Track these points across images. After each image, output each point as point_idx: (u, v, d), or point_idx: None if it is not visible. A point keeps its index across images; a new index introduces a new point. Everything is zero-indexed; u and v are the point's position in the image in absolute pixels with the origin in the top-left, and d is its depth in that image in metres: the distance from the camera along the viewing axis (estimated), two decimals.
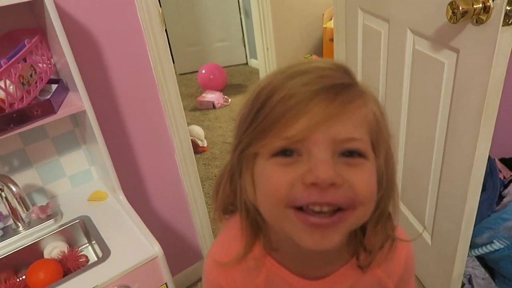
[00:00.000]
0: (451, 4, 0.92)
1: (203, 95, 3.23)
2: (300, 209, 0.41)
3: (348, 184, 0.40)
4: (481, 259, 1.47)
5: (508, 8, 0.85)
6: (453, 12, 0.92)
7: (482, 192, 1.14)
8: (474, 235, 1.29)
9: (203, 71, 3.38)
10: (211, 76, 3.34)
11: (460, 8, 0.90)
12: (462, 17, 0.91)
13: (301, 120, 0.39)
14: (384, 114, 0.46)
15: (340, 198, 0.40)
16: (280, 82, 0.42)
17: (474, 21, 0.93)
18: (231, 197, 0.51)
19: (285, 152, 0.41)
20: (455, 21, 0.93)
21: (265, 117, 0.41)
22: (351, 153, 0.41)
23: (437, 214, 1.31)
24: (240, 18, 3.80)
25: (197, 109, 3.19)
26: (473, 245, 1.37)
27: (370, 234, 0.50)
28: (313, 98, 0.39)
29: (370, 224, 0.49)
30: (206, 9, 3.71)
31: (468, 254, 1.30)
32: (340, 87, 0.41)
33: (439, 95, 1.14)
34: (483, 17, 0.90)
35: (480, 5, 0.89)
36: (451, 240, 1.25)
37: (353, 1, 1.55)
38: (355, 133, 0.41)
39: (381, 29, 1.37)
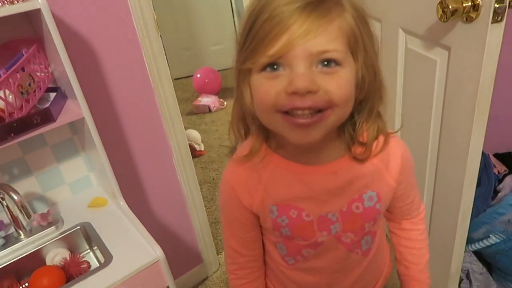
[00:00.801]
0: (441, 3, 0.94)
1: (199, 99, 3.24)
2: (286, 113, 0.51)
3: (323, 90, 0.49)
4: (478, 254, 1.49)
5: (496, 5, 0.87)
6: (443, 11, 0.94)
7: (477, 187, 1.16)
8: (470, 230, 1.30)
9: (198, 75, 3.39)
10: (206, 80, 3.35)
11: (450, 6, 0.92)
12: (452, 15, 0.93)
13: (281, 38, 0.47)
14: (364, 21, 0.52)
15: (317, 102, 0.49)
16: (265, 3, 0.48)
17: (464, 19, 0.95)
18: (240, 113, 0.60)
19: (272, 66, 0.49)
20: (445, 19, 0.95)
21: (253, 38, 0.49)
22: (327, 63, 0.49)
23: (433, 210, 1.33)
24: (234, 20, 3.82)
25: (193, 113, 3.19)
26: (470, 240, 1.39)
27: (362, 130, 0.59)
28: (290, 17, 0.46)
29: (360, 120, 0.58)
30: (199, 13, 3.72)
31: (465, 249, 1.32)
32: (316, 3, 0.47)
33: (432, 93, 1.16)
34: (472, 15, 0.92)
35: (470, 3, 0.91)
36: (448, 235, 1.27)
37: None
38: (330, 45, 0.48)
39: (374, 29, 1.39)
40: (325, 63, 0.49)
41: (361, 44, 0.51)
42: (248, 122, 0.61)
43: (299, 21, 0.46)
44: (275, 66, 0.49)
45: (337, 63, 0.49)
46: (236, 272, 0.75)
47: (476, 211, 1.34)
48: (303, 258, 0.69)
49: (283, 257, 0.71)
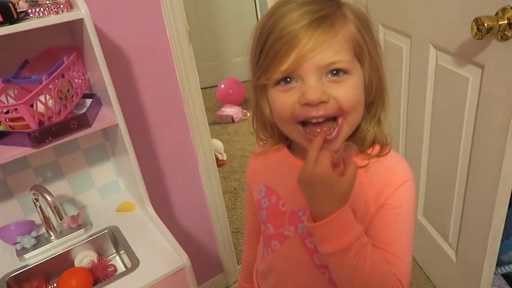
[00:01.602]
0: (476, 20, 0.93)
1: (222, 109, 3.28)
2: (303, 123, 0.55)
3: (334, 99, 0.53)
4: (507, 277, 1.44)
5: None
6: (478, 29, 0.93)
7: (508, 207, 1.13)
8: (500, 252, 1.26)
9: (222, 86, 3.43)
10: (230, 91, 3.39)
11: (485, 24, 0.91)
12: (487, 33, 0.92)
13: (291, 55, 0.51)
14: (367, 27, 0.55)
15: (329, 110, 0.53)
16: (273, 24, 0.53)
17: (499, 37, 0.94)
18: (261, 123, 0.65)
19: (285, 80, 0.54)
20: (480, 37, 0.94)
21: (265, 56, 0.53)
22: (336, 72, 0.52)
23: (461, 231, 1.30)
24: None
25: (216, 123, 3.23)
26: (499, 263, 1.34)
27: (364, 133, 0.60)
28: (298, 35, 0.50)
29: (363, 123, 0.60)
30: (225, 25, 3.78)
31: (494, 271, 1.28)
32: (320, 19, 0.51)
33: (463, 111, 1.14)
34: (508, 33, 0.91)
35: (506, 22, 0.90)
36: (476, 257, 1.24)
37: (374, 17, 1.57)
38: (336, 56, 0.52)
39: (403, 45, 1.39)
40: (334, 72, 0.52)
41: (366, 50, 0.55)
42: (268, 130, 0.67)
43: (306, 38, 0.50)
44: (288, 79, 0.54)
45: (344, 71, 0.53)
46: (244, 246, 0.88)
47: (507, 233, 1.30)
48: (272, 251, 0.69)
49: (262, 246, 0.73)
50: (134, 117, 1.24)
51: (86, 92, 1.09)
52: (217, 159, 2.56)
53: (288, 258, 0.67)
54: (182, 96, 1.32)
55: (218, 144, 2.67)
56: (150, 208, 1.12)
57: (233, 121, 3.19)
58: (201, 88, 4.15)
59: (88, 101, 1.05)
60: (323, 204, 0.52)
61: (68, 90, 0.98)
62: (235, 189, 2.33)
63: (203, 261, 1.60)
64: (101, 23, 1.10)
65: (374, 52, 0.56)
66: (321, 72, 0.52)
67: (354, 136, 0.60)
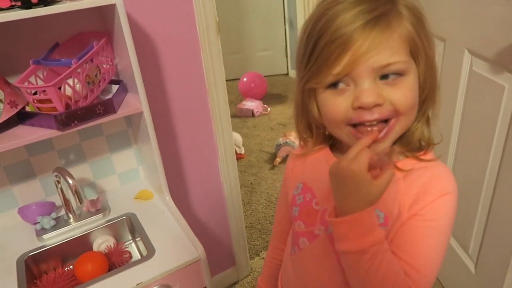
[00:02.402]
0: None
1: (243, 102, 3.27)
2: (354, 126, 0.54)
3: (389, 101, 0.51)
4: None
5: None
6: None
7: None
8: None
9: (245, 79, 3.42)
10: (252, 85, 3.38)
11: None
12: None
13: (344, 58, 0.49)
14: (422, 23, 0.52)
15: (384, 113, 0.52)
16: (323, 26, 0.50)
17: None
18: (306, 124, 0.64)
19: (336, 84, 0.52)
20: None
21: (316, 59, 0.51)
22: (391, 75, 0.50)
23: (483, 243, 1.26)
24: (285, 28, 3.83)
25: (236, 116, 3.22)
26: None
27: (412, 131, 0.57)
28: (352, 36, 0.48)
29: (413, 123, 0.57)
30: (252, 18, 3.76)
31: None
32: (376, 20, 0.48)
33: (496, 120, 1.10)
34: None
35: None
36: (498, 270, 1.20)
37: None
38: (392, 58, 0.49)
39: (436, 48, 1.34)
40: (389, 74, 0.51)
41: (422, 48, 0.53)
42: (313, 131, 0.65)
43: (361, 39, 0.48)
44: (340, 83, 0.52)
45: (400, 73, 0.51)
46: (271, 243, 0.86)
47: None
48: (299, 249, 0.69)
49: (290, 245, 0.73)
50: (158, 106, 1.24)
51: (113, 78, 1.10)
52: (235, 152, 2.56)
53: (316, 257, 0.66)
54: (207, 88, 1.31)
55: (237, 137, 2.66)
56: (168, 198, 1.12)
57: (253, 115, 3.18)
58: None
59: (115, 87, 1.05)
60: (349, 201, 0.51)
61: (96, 75, 0.98)
62: (251, 184, 2.33)
63: (216, 253, 1.60)
64: (131, 9, 1.10)
65: (429, 49, 0.54)
66: (375, 74, 0.50)
67: (403, 135, 0.57)
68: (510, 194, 1.10)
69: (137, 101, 1.00)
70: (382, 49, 0.49)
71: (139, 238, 1.08)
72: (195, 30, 1.22)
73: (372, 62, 0.49)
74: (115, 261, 1.04)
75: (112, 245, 1.07)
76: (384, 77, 0.51)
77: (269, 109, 3.25)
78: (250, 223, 2.01)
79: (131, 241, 1.13)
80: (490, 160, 1.16)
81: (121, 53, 1.01)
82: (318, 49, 0.51)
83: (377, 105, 0.51)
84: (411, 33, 0.51)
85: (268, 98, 3.45)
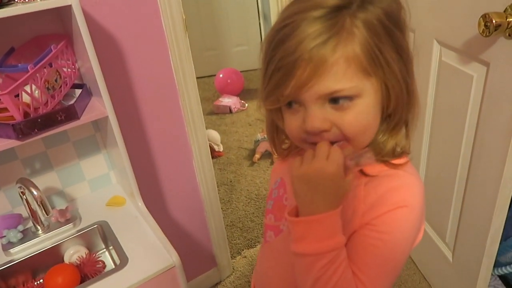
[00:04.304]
0: (484, 16, 0.89)
1: (220, 99, 3.23)
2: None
3: (336, 126, 0.51)
4: (504, 278, 1.42)
5: None
6: (485, 25, 0.89)
7: (508, 208, 1.10)
8: (498, 253, 1.24)
9: (221, 75, 3.38)
10: (229, 81, 3.34)
11: (494, 21, 0.87)
12: (495, 30, 0.88)
13: (290, 85, 0.49)
14: (385, 32, 0.49)
15: (332, 138, 0.52)
16: (273, 50, 0.50)
17: (507, 34, 0.90)
18: (279, 138, 0.65)
19: (291, 103, 0.52)
20: (487, 34, 0.90)
21: (267, 84, 0.52)
22: (339, 100, 0.49)
23: (459, 231, 1.28)
24: (259, 22, 3.80)
25: (213, 113, 3.19)
26: (496, 264, 1.33)
27: (378, 142, 0.55)
28: (294, 65, 0.48)
29: (381, 133, 0.55)
30: (225, 13, 3.71)
31: (491, 272, 1.26)
32: (319, 47, 0.47)
33: (466, 109, 1.11)
34: None
35: None
36: (474, 258, 1.21)
37: None
38: (337, 85, 0.48)
39: (403, 35, 1.34)
40: (339, 99, 0.49)
41: (382, 61, 0.49)
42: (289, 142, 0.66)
43: (301, 68, 0.47)
44: (293, 103, 0.52)
45: (349, 98, 0.49)
46: None
47: (506, 234, 1.28)
48: (265, 242, 0.69)
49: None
50: (127, 109, 1.20)
51: (76, 82, 1.05)
52: (213, 150, 2.53)
53: (278, 251, 0.66)
54: (177, 88, 1.28)
55: (215, 135, 2.63)
56: (140, 203, 1.09)
57: (230, 111, 3.15)
58: (199, 78, 4.12)
59: (78, 92, 1.01)
60: (319, 201, 0.50)
61: (56, 80, 0.93)
62: (230, 182, 2.30)
63: (196, 255, 1.58)
64: (93, 10, 1.06)
65: (396, 59, 0.50)
66: (323, 100, 0.49)
67: (374, 144, 0.55)
68: (482, 183, 1.11)
69: (102, 105, 0.96)
70: (325, 76, 0.47)
71: (112, 247, 1.04)
72: (162, 28, 1.19)
73: (315, 90, 0.48)
74: (88, 272, 1.01)
75: (84, 256, 1.03)
76: (334, 101, 0.49)
77: (246, 104, 3.22)
78: (231, 221, 1.99)
79: (105, 250, 1.09)
80: (462, 149, 1.17)
81: (82, 55, 0.97)
82: (268, 74, 0.51)
83: (324, 130, 0.51)
84: (365, 52, 0.48)
85: (245, 93, 3.43)
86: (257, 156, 2.44)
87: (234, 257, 1.78)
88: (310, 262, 0.50)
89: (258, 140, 2.52)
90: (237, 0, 3.68)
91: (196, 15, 3.63)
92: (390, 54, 0.49)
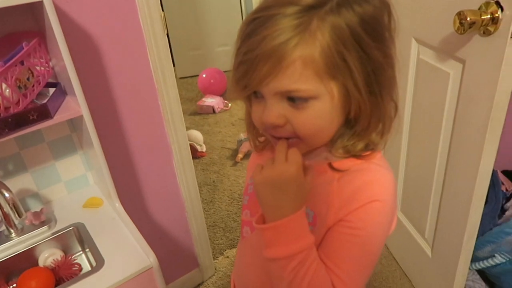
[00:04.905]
0: (458, 14, 0.90)
1: (203, 99, 3.21)
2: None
3: (290, 123, 0.51)
4: (481, 272, 1.45)
5: None
6: (460, 23, 0.90)
7: (484, 204, 1.12)
8: (475, 249, 1.26)
9: (204, 75, 3.36)
10: (212, 81, 3.32)
11: (468, 18, 0.88)
12: (470, 28, 0.90)
13: (251, 78, 0.50)
14: (356, 36, 0.48)
15: (285, 134, 0.53)
16: (241, 43, 0.51)
17: (482, 32, 0.91)
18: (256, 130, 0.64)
19: (256, 93, 0.53)
20: (462, 31, 0.91)
21: (234, 75, 0.53)
22: (295, 99, 0.50)
23: (438, 226, 1.29)
24: (242, 21, 3.79)
25: (196, 114, 3.16)
26: (474, 259, 1.35)
27: (337, 146, 0.55)
28: (254, 61, 0.48)
29: (341, 139, 0.55)
30: (209, 13, 3.69)
31: (469, 267, 1.28)
32: (278, 46, 0.47)
33: (444, 106, 1.12)
34: (491, 28, 0.88)
35: (488, 16, 0.87)
36: (452, 253, 1.23)
37: None
38: (292, 85, 0.48)
39: (376, 46, 1.36)
40: (295, 98, 0.50)
41: (342, 68, 0.49)
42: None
43: (260, 65, 0.48)
44: (258, 93, 0.53)
45: (304, 99, 0.50)
46: None
47: (482, 229, 1.30)
48: (242, 237, 0.70)
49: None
50: (103, 108, 1.18)
51: (51, 81, 1.03)
52: (196, 150, 2.51)
53: (253, 247, 0.66)
54: (156, 87, 1.26)
55: (197, 135, 2.61)
56: (118, 204, 1.07)
57: (214, 112, 3.13)
58: (183, 78, 4.09)
59: (52, 91, 0.98)
60: (284, 205, 0.50)
61: (28, 79, 0.91)
62: (213, 182, 2.29)
63: (177, 256, 1.56)
64: (68, 7, 1.03)
65: (359, 68, 0.49)
66: (281, 96, 0.50)
67: (333, 147, 0.56)
68: (459, 179, 1.13)
69: (77, 104, 0.94)
70: (282, 75, 0.48)
71: (88, 249, 1.02)
72: (140, 27, 1.17)
73: (273, 86, 0.49)
74: (63, 275, 0.98)
75: (60, 259, 1.01)
76: (291, 99, 0.50)
77: (229, 104, 3.21)
78: (213, 222, 1.98)
79: (81, 252, 1.07)
80: (440, 146, 1.18)
81: (56, 53, 0.94)
82: (235, 66, 0.52)
83: (278, 126, 0.52)
84: (323, 57, 0.47)
85: (229, 93, 3.41)
86: (240, 156, 2.44)
87: (217, 257, 1.77)
88: (282, 266, 0.51)
89: (241, 140, 2.51)
90: (221, 0, 3.67)
91: (179, 15, 3.60)
92: (353, 62, 0.48)
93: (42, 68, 0.97)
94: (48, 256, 1.01)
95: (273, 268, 0.53)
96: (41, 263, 1.01)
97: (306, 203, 0.55)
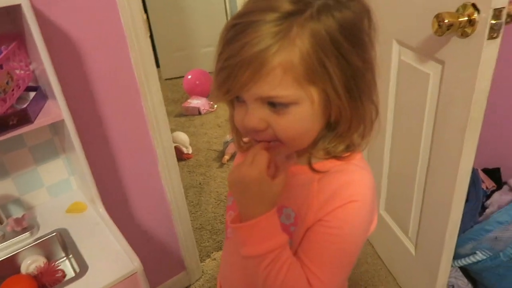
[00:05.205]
0: (437, 16, 0.92)
1: (189, 100, 3.20)
2: None
3: (271, 128, 0.52)
4: (464, 269, 1.48)
5: (493, 21, 0.85)
6: (439, 25, 0.92)
7: (465, 202, 1.15)
8: (457, 246, 1.29)
9: (189, 77, 3.34)
10: (197, 82, 3.31)
11: (446, 20, 0.90)
12: (448, 29, 0.91)
13: (232, 84, 0.50)
14: (331, 45, 0.49)
15: (266, 137, 0.54)
16: (221, 49, 0.51)
17: (460, 34, 0.93)
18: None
19: (238, 97, 0.53)
20: (440, 33, 0.93)
21: (215, 79, 0.52)
22: (275, 105, 0.51)
23: (421, 225, 1.31)
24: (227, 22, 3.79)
25: (182, 115, 3.15)
26: (456, 256, 1.38)
27: (318, 148, 0.56)
28: (234, 68, 0.49)
29: (324, 140, 0.56)
30: (194, 14, 3.68)
31: (452, 264, 1.30)
32: (258, 52, 0.47)
33: (424, 106, 1.14)
34: (468, 30, 0.90)
35: (466, 18, 0.89)
36: (435, 250, 1.25)
37: None
38: (272, 91, 0.49)
39: (355, 51, 1.37)
40: (275, 104, 0.50)
41: (322, 74, 0.49)
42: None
43: (241, 71, 0.48)
44: (239, 97, 0.53)
45: (285, 105, 0.50)
46: None
47: (463, 227, 1.33)
48: (227, 238, 0.72)
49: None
50: (86, 111, 1.16)
51: (31, 84, 1.01)
52: (182, 152, 2.50)
53: (236, 247, 0.66)
54: (140, 90, 1.25)
55: (183, 137, 2.60)
56: (101, 209, 1.06)
57: (199, 113, 3.12)
58: (168, 79, 4.05)
59: (32, 95, 0.97)
60: (252, 206, 0.52)
61: (7, 83, 0.89)
62: (200, 184, 2.28)
63: (164, 259, 1.55)
64: (46, 9, 1.02)
65: (338, 74, 0.49)
66: (262, 101, 0.51)
67: (314, 149, 0.56)
68: (440, 178, 1.15)
69: (58, 108, 0.93)
70: (262, 81, 0.48)
71: (72, 255, 1.01)
72: (122, 29, 1.16)
73: (253, 92, 0.50)
74: (46, 282, 0.97)
75: (43, 265, 0.99)
76: (272, 104, 0.51)
77: (215, 106, 3.20)
78: (200, 224, 1.97)
79: (65, 258, 1.05)
80: (421, 146, 1.20)
81: (36, 57, 0.93)
82: (216, 71, 0.52)
83: (259, 130, 0.52)
84: (303, 63, 0.48)
85: (211, 97, 3.40)
86: (226, 157, 2.43)
87: (204, 260, 1.76)
88: (256, 264, 0.53)
89: (227, 142, 2.50)
90: (205, 1, 3.66)
91: (163, 16, 3.58)
92: (333, 69, 0.49)
93: (22, 72, 0.95)
94: (31, 263, 0.99)
95: (249, 265, 0.55)
96: (23, 270, 0.99)
97: (288, 204, 0.57)
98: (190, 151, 2.58)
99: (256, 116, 0.51)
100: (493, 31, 0.86)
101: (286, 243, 0.53)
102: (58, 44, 1.05)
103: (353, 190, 0.54)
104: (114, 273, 0.88)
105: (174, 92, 3.58)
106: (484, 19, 0.86)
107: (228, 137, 2.53)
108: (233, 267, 0.71)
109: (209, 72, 3.45)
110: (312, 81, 0.49)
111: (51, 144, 1.12)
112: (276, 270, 0.52)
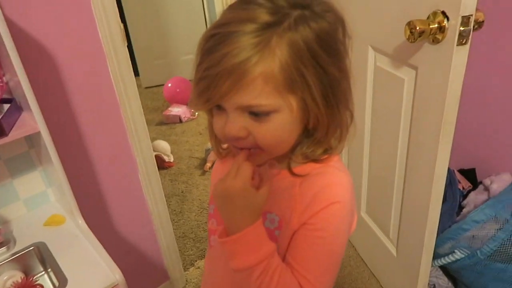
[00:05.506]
0: (408, 24, 0.95)
1: (169, 109, 3.18)
2: None
3: (252, 135, 0.53)
4: (444, 268, 1.51)
5: (462, 28, 0.88)
6: (411, 32, 0.95)
7: (442, 203, 1.18)
8: (436, 246, 1.32)
9: (169, 85, 3.33)
10: (177, 90, 3.30)
11: (417, 27, 0.93)
12: (420, 36, 0.94)
13: (212, 94, 0.51)
14: (309, 55, 0.50)
15: (246, 145, 0.54)
16: (202, 58, 0.52)
17: (431, 40, 0.96)
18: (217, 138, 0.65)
19: (218, 107, 0.54)
20: (413, 40, 0.96)
21: (195, 88, 0.53)
22: (255, 113, 0.51)
23: (401, 226, 1.34)
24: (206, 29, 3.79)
25: (163, 123, 3.13)
26: (436, 255, 1.41)
27: (297, 153, 0.58)
28: (215, 78, 0.49)
29: (302, 146, 0.58)
30: (173, 22, 3.68)
31: (432, 264, 1.33)
32: (239, 63, 0.48)
33: (400, 111, 1.17)
34: (439, 36, 0.93)
35: (436, 25, 0.92)
36: (415, 251, 1.28)
37: None
38: (253, 101, 0.50)
39: (331, 60, 1.40)
40: (254, 112, 0.51)
41: (300, 83, 0.51)
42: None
43: (222, 80, 0.49)
44: (219, 106, 0.54)
45: (266, 113, 0.51)
46: None
47: (442, 227, 1.36)
48: (210, 247, 0.72)
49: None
50: (63, 123, 1.15)
51: (6, 96, 0.99)
52: (163, 161, 2.48)
53: (221, 255, 0.67)
54: (118, 99, 1.24)
55: (164, 145, 2.58)
56: (81, 221, 1.04)
57: (180, 121, 3.10)
58: (148, 88, 4.01)
59: (6, 107, 0.95)
60: (237, 218, 0.52)
61: None
62: (182, 192, 2.27)
63: (146, 270, 1.53)
64: (21, 19, 1.00)
65: (316, 82, 0.51)
66: (242, 109, 0.52)
67: (293, 154, 0.58)
68: (417, 180, 1.17)
69: (33, 120, 0.91)
70: (243, 91, 0.49)
71: (50, 269, 0.98)
72: (99, 39, 1.15)
73: (234, 101, 0.50)
74: None
75: (20, 280, 0.96)
76: (252, 112, 0.51)
77: (196, 113, 3.20)
78: (183, 232, 1.96)
79: (43, 272, 1.03)
80: (399, 149, 1.23)
81: (9, 68, 0.91)
82: (195, 80, 0.52)
83: (239, 138, 0.53)
84: (282, 73, 0.49)
85: (190, 105, 3.39)
86: (208, 165, 2.43)
87: (188, 268, 1.75)
88: (246, 276, 0.53)
89: (209, 149, 2.50)
90: (184, 9, 3.66)
91: (142, 24, 3.56)
92: (311, 77, 0.50)
93: None
94: (8, 279, 0.97)
95: (240, 278, 0.55)
96: (0, 286, 0.96)
97: (271, 209, 0.58)
98: (172, 160, 2.57)
99: (237, 124, 0.52)
100: (462, 38, 0.89)
101: (274, 251, 0.54)
102: (33, 54, 1.04)
103: (333, 192, 0.56)
104: (95, 286, 0.86)
105: (155, 100, 3.56)
106: (454, 26, 0.89)
107: (210, 144, 2.53)
108: (217, 275, 0.71)
109: (190, 80, 3.43)
110: (291, 90, 0.51)
111: (27, 156, 1.10)
112: (268, 279, 0.52)
